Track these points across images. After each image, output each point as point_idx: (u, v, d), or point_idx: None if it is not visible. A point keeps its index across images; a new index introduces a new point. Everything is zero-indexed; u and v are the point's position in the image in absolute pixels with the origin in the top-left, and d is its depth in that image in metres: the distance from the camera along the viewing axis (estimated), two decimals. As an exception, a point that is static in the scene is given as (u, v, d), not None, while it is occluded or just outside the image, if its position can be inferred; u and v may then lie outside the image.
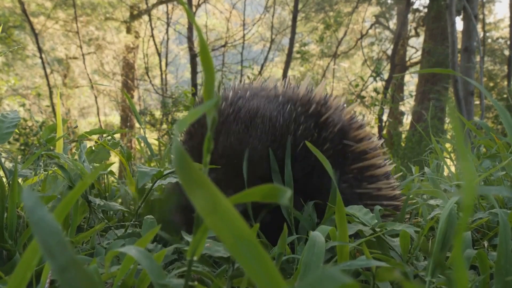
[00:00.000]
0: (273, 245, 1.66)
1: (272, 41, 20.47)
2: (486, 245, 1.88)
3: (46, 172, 2.10)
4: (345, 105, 2.01)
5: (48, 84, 18.58)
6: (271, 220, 1.72)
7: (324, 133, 1.77)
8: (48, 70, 19.56)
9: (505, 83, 21.96)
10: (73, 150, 3.19)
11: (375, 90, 12.82)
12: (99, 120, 21.54)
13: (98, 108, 21.01)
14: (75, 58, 22.62)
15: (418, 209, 2.35)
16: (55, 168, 1.61)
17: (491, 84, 21.68)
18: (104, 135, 3.15)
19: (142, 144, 3.23)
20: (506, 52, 22.76)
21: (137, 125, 22.05)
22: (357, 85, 14.56)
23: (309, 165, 1.74)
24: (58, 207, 0.69)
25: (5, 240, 1.31)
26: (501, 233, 1.14)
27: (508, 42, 21.42)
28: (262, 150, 1.72)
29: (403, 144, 16.51)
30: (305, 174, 1.75)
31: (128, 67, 22.50)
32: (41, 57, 18.56)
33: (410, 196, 2.50)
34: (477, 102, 12.49)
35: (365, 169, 1.86)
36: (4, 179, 1.61)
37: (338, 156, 1.77)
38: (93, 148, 2.44)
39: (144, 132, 3.02)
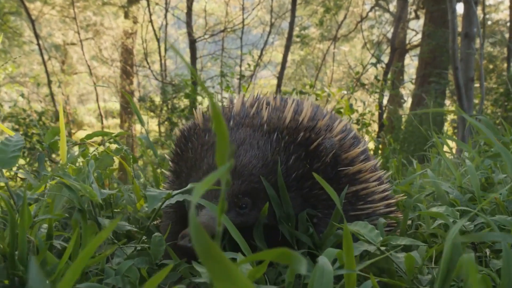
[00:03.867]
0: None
1: (271, 25, 20.31)
2: (488, 253, 1.90)
3: (50, 181, 2.12)
4: (337, 121, 1.96)
5: (46, 71, 18.48)
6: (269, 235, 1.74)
7: (316, 163, 1.74)
8: (46, 57, 19.44)
9: (505, 65, 21.89)
10: (75, 149, 3.19)
11: (376, 77, 12.75)
12: (99, 107, 21.50)
13: (97, 95, 20.96)
14: (73, 44, 22.50)
15: (416, 209, 2.36)
16: (60, 180, 1.62)
17: (491, 66, 21.59)
18: (105, 138, 3.16)
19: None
20: (506, 35, 22.64)
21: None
22: (357, 73, 14.47)
23: (301, 196, 1.75)
24: (69, 273, 0.70)
25: (17, 266, 1.33)
26: (505, 260, 1.15)
27: (508, 25, 21.29)
28: (252, 169, 1.71)
29: (403, 128, 16.52)
30: (298, 204, 1.75)
31: (126, 53, 22.38)
32: (38, 44, 18.43)
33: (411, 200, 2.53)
34: (477, 85, 12.41)
35: (359, 190, 1.86)
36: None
37: (331, 184, 1.76)
38: (97, 155, 2.44)
39: (147, 133, 3.02)
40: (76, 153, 2.90)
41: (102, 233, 0.77)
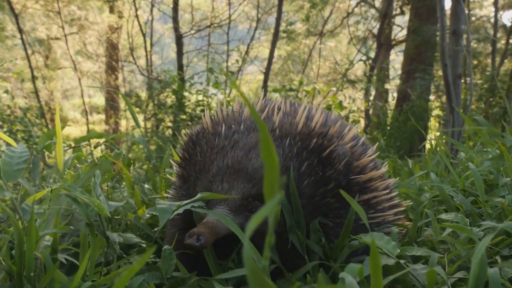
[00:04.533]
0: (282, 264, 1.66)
1: (258, 20, 20.25)
2: (499, 260, 1.88)
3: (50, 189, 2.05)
4: (347, 128, 1.94)
5: (30, 66, 18.21)
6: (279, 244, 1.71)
7: (328, 171, 1.71)
8: (29, 52, 19.16)
9: (488, 61, 22.10)
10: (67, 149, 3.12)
11: (365, 74, 12.79)
12: (84, 102, 21.27)
13: (82, 90, 20.72)
14: (57, 38, 22.18)
15: (421, 215, 2.35)
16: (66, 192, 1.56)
17: (475, 62, 21.80)
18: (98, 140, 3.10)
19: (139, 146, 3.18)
20: (490, 31, 22.86)
21: (122, 107, 21.85)
22: (347, 69, 14.50)
23: (312, 204, 1.71)
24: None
25: (24, 285, 1.28)
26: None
27: (492, 20, 21.48)
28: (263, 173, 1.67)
29: (388, 122, 16.60)
30: (308, 212, 1.72)
31: (112, 48, 22.14)
32: (21, 38, 18.14)
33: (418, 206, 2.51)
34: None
35: (370, 198, 1.84)
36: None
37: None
38: (96, 160, 2.38)
39: (144, 136, 2.96)
40: (69, 155, 2.83)
41: (134, 266, 0.72)
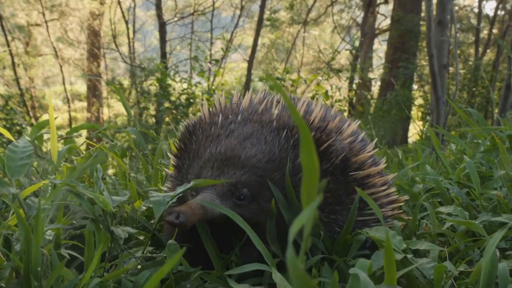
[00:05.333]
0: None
1: (242, 8, 20.14)
2: (498, 253, 1.90)
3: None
4: (346, 123, 1.93)
5: (10, 53, 17.90)
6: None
7: (325, 164, 1.70)
8: (9, 38, 18.81)
9: (471, 50, 22.34)
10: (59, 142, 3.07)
11: (351, 63, 12.82)
12: (65, 90, 20.99)
13: (63, 78, 20.42)
14: (37, 25, 21.76)
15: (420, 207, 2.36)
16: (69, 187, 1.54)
17: (457, 52, 21.95)
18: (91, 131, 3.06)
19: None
20: (473, 20, 23.07)
21: (104, 94, 21.63)
22: (333, 58, 14.50)
23: None
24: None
25: (31, 282, 1.26)
26: None
27: (476, 10, 21.70)
28: (256, 162, 1.65)
29: (371, 111, 16.72)
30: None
31: (93, 35, 21.83)
32: (1, 24, 17.81)
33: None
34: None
35: (368, 195, 1.83)
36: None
37: (339, 188, 1.72)
38: (91, 152, 2.34)
39: (136, 127, 2.92)
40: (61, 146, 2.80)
41: (164, 268, 0.71)
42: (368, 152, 1.88)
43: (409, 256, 1.43)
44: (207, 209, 1.52)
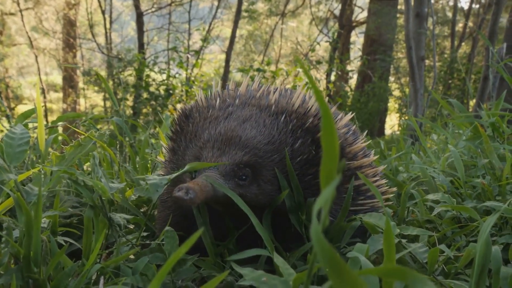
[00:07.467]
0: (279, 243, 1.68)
1: (220, -2, 20.03)
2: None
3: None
4: (339, 115, 1.96)
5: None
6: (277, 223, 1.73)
7: (321, 151, 1.72)
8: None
9: (446, 43, 22.63)
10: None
11: (330, 55, 12.87)
12: (40, 80, 20.62)
13: (39, 68, 20.07)
14: (11, 14, 21.31)
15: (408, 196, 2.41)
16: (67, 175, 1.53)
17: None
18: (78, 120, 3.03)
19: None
20: (448, 13, 23.37)
21: (80, 84, 21.33)
22: (312, 50, 14.54)
23: (304, 182, 1.72)
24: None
25: (31, 269, 1.25)
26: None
27: (451, 3, 21.98)
28: (257, 143, 1.67)
29: (349, 103, 16.87)
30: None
31: (69, 25, 21.47)
32: (-27, 13, 17.41)
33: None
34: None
35: (361, 185, 1.87)
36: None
37: None
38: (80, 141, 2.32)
39: (123, 118, 2.90)
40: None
41: (170, 260, 0.72)
42: (361, 143, 1.91)
43: (403, 241, 1.47)
44: (212, 189, 1.52)
